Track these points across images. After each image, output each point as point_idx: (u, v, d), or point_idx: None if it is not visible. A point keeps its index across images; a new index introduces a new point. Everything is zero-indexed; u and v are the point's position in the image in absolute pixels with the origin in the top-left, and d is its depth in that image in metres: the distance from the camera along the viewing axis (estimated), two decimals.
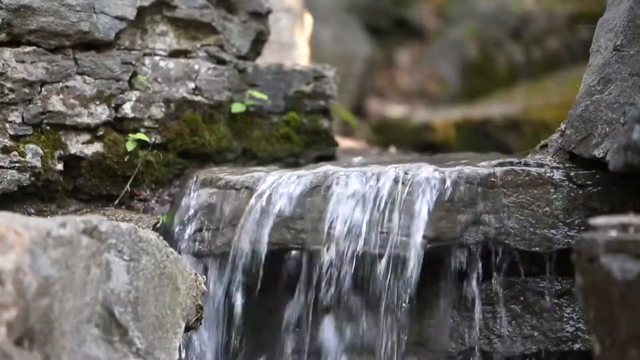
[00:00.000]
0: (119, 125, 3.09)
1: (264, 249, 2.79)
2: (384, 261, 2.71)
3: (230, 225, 2.86)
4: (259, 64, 3.36)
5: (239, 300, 2.82)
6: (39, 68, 2.96)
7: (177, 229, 2.95)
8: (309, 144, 3.34)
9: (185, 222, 2.94)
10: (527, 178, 2.75)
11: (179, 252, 2.81)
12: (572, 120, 2.81)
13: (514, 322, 2.75)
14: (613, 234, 1.99)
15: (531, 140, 4.84)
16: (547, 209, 2.73)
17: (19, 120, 2.94)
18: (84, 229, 2.17)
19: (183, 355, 2.72)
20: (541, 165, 2.79)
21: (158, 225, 2.96)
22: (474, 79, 7.14)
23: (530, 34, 7.20)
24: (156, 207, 3.10)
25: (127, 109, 3.09)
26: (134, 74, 3.10)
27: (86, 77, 3.02)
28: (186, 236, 2.92)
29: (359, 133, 5.96)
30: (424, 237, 2.71)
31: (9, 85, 2.92)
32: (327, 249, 2.75)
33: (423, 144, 5.79)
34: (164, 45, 3.17)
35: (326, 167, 2.88)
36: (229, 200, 2.88)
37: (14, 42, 2.95)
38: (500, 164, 2.81)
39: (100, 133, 3.06)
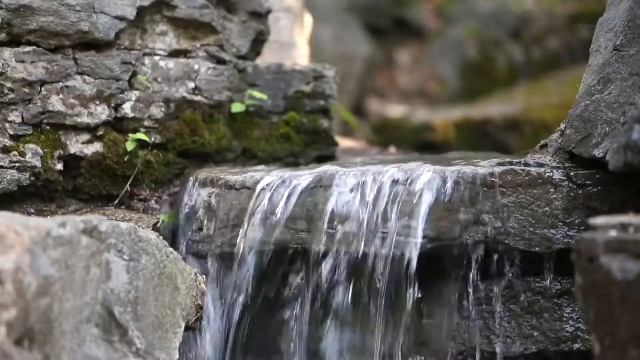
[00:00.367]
0: (119, 125, 3.09)
1: (264, 249, 2.79)
2: (384, 261, 2.71)
3: (230, 225, 2.86)
4: (259, 64, 3.36)
5: (239, 300, 2.82)
6: (39, 68, 2.96)
7: (177, 229, 2.95)
8: (309, 144, 3.34)
9: (185, 222, 2.94)
10: (527, 178, 2.74)
11: (179, 252, 2.81)
12: (572, 120, 2.81)
13: (514, 322, 2.75)
14: (613, 234, 1.99)
15: (531, 140, 4.84)
16: (547, 209, 2.73)
17: (19, 120, 2.94)
18: (84, 229, 2.17)
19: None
20: (541, 165, 2.79)
21: (158, 225, 2.96)
22: (474, 79, 7.14)
23: (530, 34, 7.20)
24: (156, 207, 3.10)
25: (127, 109, 3.09)
26: (134, 74, 3.10)
27: (86, 77, 3.03)
28: (186, 236, 2.92)
29: (359, 133, 5.96)
30: (424, 237, 2.71)
31: (9, 85, 2.92)
32: (327, 249, 2.75)
33: (423, 144, 5.79)
34: (164, 45, 3.18)
35: (326, 167, 2.88)
36: (229, 200, 2.88)
37: (14, 42, 2.95)
38: (500, 164, 2.81)
39: (100, 133, 3.06)
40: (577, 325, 2.73)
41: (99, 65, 3.04)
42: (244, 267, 2.81)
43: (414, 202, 2.73)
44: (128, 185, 3.09)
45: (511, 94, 6.55)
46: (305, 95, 3.34)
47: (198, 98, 3.19)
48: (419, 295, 2.76)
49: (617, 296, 1.92)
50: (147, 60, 3.14)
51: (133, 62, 3.09)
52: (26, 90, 2.94)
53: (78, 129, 3.03)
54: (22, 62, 2.94)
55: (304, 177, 2.83)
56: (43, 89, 2.97)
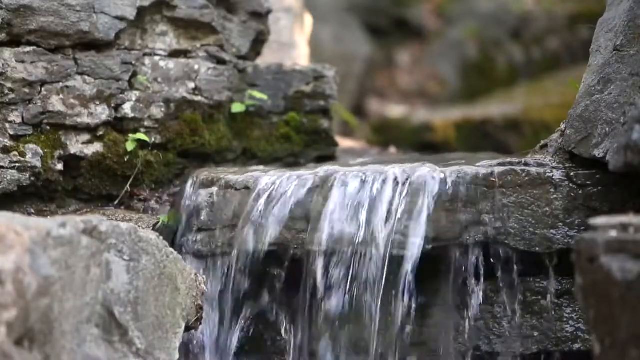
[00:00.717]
0: (119, 125, 3.09)
1: (264, 249, 2.79)
2: (384, 261, 2.71)
3: (231, 225, 2.86)
4: (259, 64, 3.36)
5: (238, 299, 2.82)
6: (39, 68, 2.96)
7: (177, 229, 2.95)
8: (309, 144, 3.34)
9: (185, 222, 2.94)
10: (527, 178, 2.74)
11: (179, 252, 2.81)
12: (572, 120, 2.81)
13: (514, 322, 2.75)
14: (613, 234, 1.99)
15: (531, 140, 4.84)
16: (547, 209, 2.73)
17: (19, 120, 2.94)
18: (84, 229, 2.17)
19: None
20: (541, 165, 2.79)
21: (158, 225, 2.96)
22: (474, 79, 7.14)
23: (530, 34, 7.20)
24: (156, 207, 3.10)
25: (127, 109, 3.09)
26: (134, 74, 3.10)
27: (86, 77, 3.03)
28: (186, 236, 2.92)
29: (359, 133, 5.96)
30: (424, 237, 2.71)
31: (9, 85, 2.92)
32: (327, 249, 2.75)
33: (423, 144, 5.79)
34: (164, 45, 3.18)
35: (326, 167, 2.88)
36: (229, 200, 2.88)
37: (14, 42, 2.95)
38: (500, 164, 2.81)
39: (100, 133, 3.06)
40: (577, 325, 2.73)
41: (99, 65, 3.04)
42: (244, 267, 2.81)
43: (414, 202, 2.73)
44: (128, 185, 3.09)
45: (511, 94, 6.55)
46: (305, 95, 3.34)
47: (198, 98, 3.19)
48: (419, 296, 2.76)
49: (617, 296, 1.92)
50: (147, 60, 3.14)
51: (133, 62, 3.09)
52: (26, 90, 2.94)
53: (78, 129, 3.03)
54: (22, 62, 2.94)
55: (304, 177, 2.83)
56: (43, 89, 2.97)
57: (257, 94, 3.28)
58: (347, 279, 2.75)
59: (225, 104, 3.26)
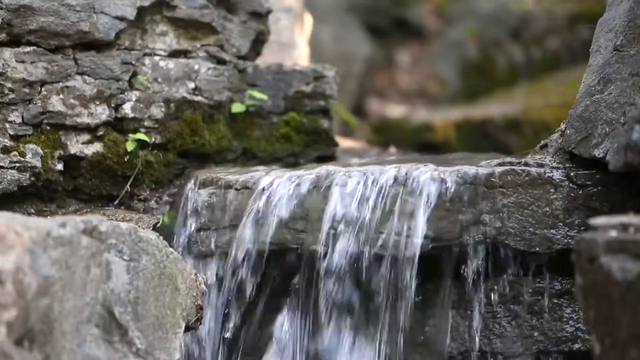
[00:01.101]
0: (119, 125, 3.09)
1: (264, 249, 2.79)
2: (384, 261, 2.71)
3: (231, 225, 2.86)
4: (259, 64, 3.36)
5: (238, 299, 2.83)
6: (39, 68, 2.96)
7: (177, 229, 2.95)
8: (309, 144, 3.34)
9: (185, 222, 2.94)
10: (527, 178, 2.74)
11: (179, 252, 2.81)
12: (572, 120, 2.81)
13: (514, 322, 2.75)
14: (613, 234, 1.99)
15: (531, 140, 4.84)
16: (547, 209, 2.73)
17: (19, 120, 2.94)
18: (84, 229, 2.17)
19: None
20: (541, 165, 2.79)
21: (158, 225, 2.96)
22: (474, 79, 7.14)
23: (530, 34, 7.20)
24: (156, 207, 3.10)
25: (127, 109, 3.09)
26: (134, 74, 3.10)
27: (86, 77, 3.03)
28: (186, 236, 2.92)
29: (359, 133, 5.96)
30: (424, 237, 2.71)
31: (9, 85, 2.92)
32: (327, 249, 2.75)
33: (423, 144, 5.79)
34: (164, 45, 3.18)
35: (326, 167, 2.88)
36: (229, 200, 2.88)
37: (14, 42, 2.95)
38: (500, 164, 2.81)
39: (100, 133, 3.06)
40: (577, 325, 2.73)
41: (99, 65, 3.04)
42: (244, 267, 2.81)
43: (414, 202, 2.73)
44: (128, 185, 3.09)
45: (511, 94, 6.55)
46: (305, 95, 3.34)
47: (198, 98, 3.19)
48: (419, 296, 2.76)
49: (617, 296, 1.92)
50: (147, 60, 3.14)
51: (133, 62, 3.09)
52: (26, 90, 2.94)
53: (78, 129, 3.03)
54: (22, 62, 2.94)
55: (304, 177, 2.83)
56: (43, 89, 2.97)
57: (257, 94, 3.28)
58: (347, 279, 2.75)
59: (225, 104, 3.26)
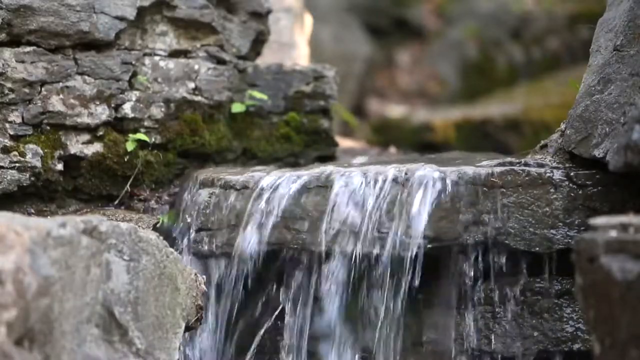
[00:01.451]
0: (119, 125, 3.09)
1: (264, 249, 2.79)
2: (383, 261, 2.71)
3: (231, 225, 2.86)
4: (259, 64, 3.36)
5: (238, 299, 2.83)
6: (39, 68, 2.96)
7: (177, 229, 2.95)
8: (309, 144, 3.34)
9: (185, 222, 2.94)
10: (527, 178, 2.74)
11: (179, 253, 2.81)
12: (572, 120, 2.81)
13: (514, 322, 2.75)
14: (613, 234, 1.99)
15: (531, 140, 4.84)
16: (547, 209, 2.73)
17: (19, 120, 2.94)
18: (84, 229, 2.17)
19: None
20: (541, 165, 2.79)
21: (158, 225, 2.96)
22: (474, 79, 7.14)
23: (530, 34, 7.20)
24: (156, 207, 3.10)
25: (127, 109, 3.09)
26: (134, 74, 3.10)
27: (86, 77, 3.03)
28: (186, 236, 2.92)
29: (359, 133, 5.96)
30: (424, 237, 2.71)
31: (9, 85, 2.92)
32: (327, 250, 2.75)
33: (423, 144, 5.78)
34: (164, 45, 3.18)
35: (326, 167, 2.88)
36: (229, 200, 2.88)
37: (14, 42, 2.95)
38: (500, 164, 2.81)
39: (100, 133, 3.06)
40: (577, 325, 2.73)
41: (99, 65, 3.04)
42: (244, 267, 2.81)
43: (414, 202, 2.73)
44: (128, 185, 3.09)
45: (511, 94, 6.55)
46: (305, 95, 3.34)
47: (198, 98, 3.19)
48: (419, 296, 2.76)
49: (617, 296, 1.92)
50: (147, 60, 3.14)
51: (133, 62, 3.09)
52: (26, 90, 2.94)
53: (78, 129, 3.03)
54: (22, 62, 2.94)
55: (304, 177, 2.83)
56: (43, 89, 2.97)
57: (257, 94, 3.28)
58: (347, 280, 2.75)
59: (225, 104, 3.26)
